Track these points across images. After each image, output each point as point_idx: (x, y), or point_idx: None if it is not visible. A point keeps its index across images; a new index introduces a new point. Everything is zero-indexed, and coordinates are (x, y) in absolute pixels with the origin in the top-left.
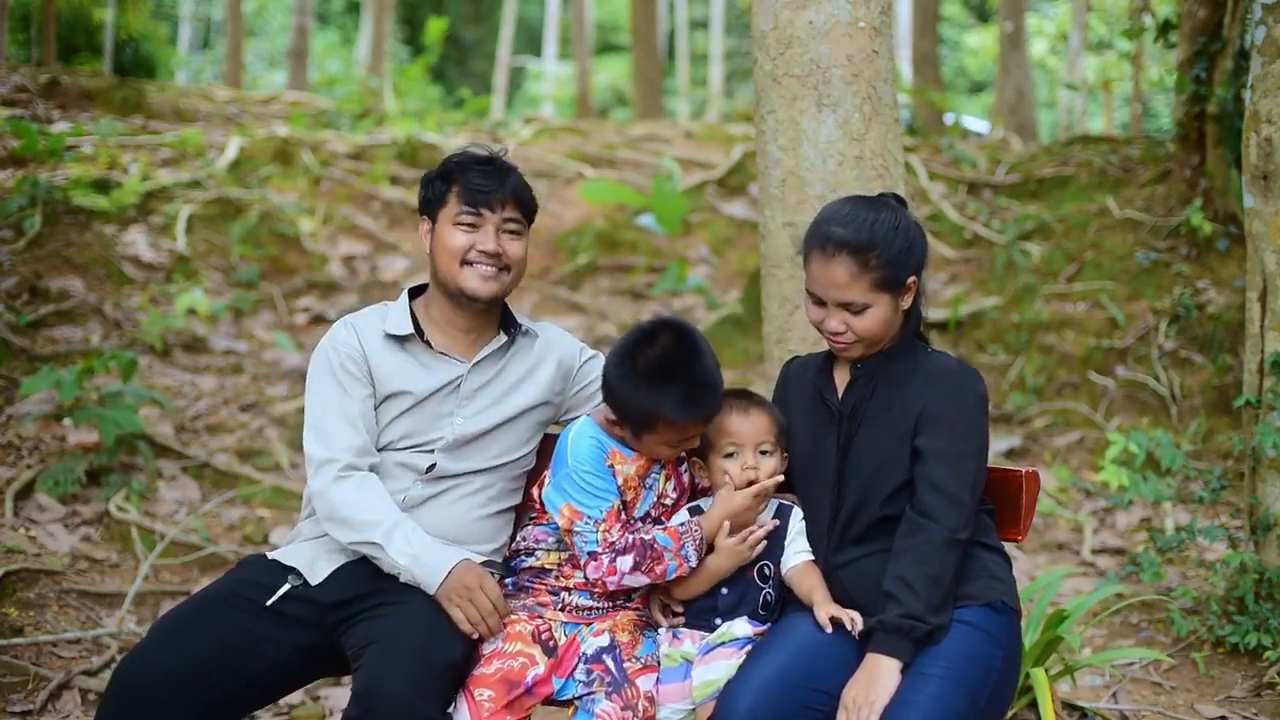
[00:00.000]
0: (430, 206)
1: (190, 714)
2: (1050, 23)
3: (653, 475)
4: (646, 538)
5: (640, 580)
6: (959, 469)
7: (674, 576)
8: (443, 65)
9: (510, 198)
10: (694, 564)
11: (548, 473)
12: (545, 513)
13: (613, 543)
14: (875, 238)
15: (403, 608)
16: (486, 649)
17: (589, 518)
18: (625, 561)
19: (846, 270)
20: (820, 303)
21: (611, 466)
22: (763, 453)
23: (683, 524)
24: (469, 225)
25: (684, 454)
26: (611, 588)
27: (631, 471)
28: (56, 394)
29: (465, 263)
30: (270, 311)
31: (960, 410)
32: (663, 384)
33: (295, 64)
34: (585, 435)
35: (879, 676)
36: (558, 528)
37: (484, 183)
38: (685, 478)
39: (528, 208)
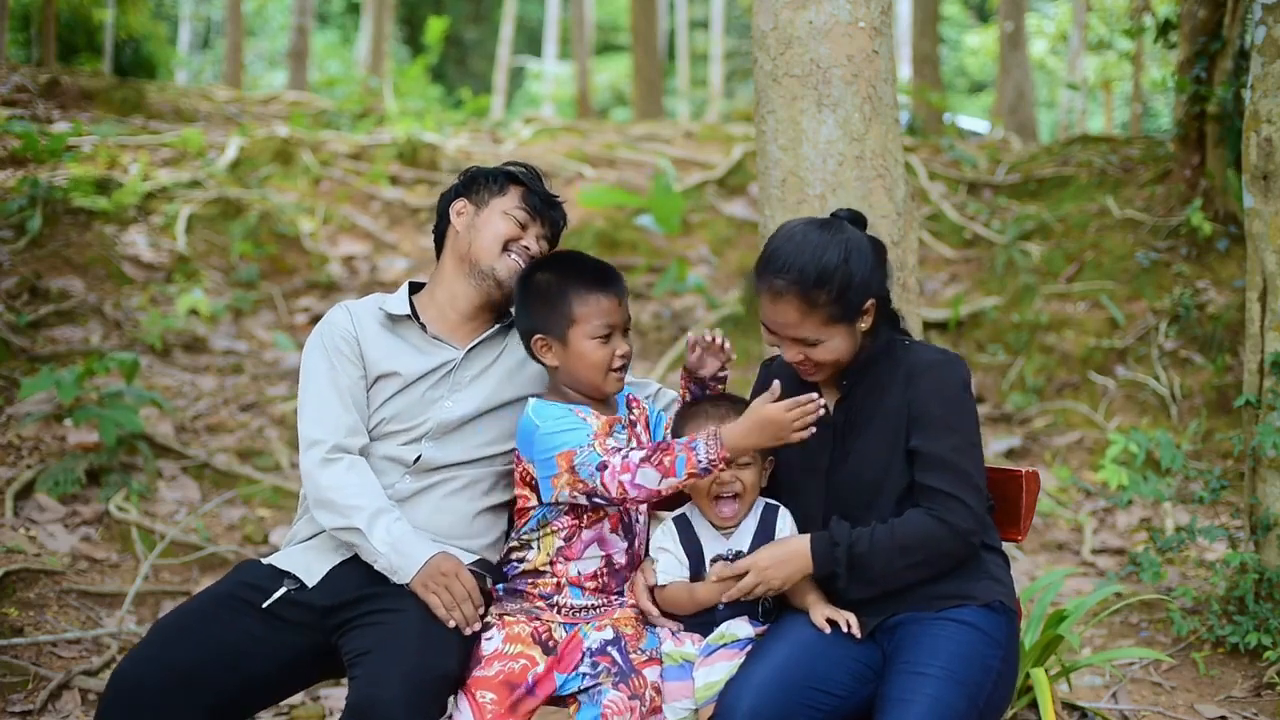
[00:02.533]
0: (480, 193)
1: (190, 717)
2: (1050, 23)
3: (615, 436)
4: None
5: (652, 478)
6: (961, 466)
7: (684, 475)
8: (443, 65)
9: (557, 220)
10: (703, 461)
11: (529, 467)
12: (521, 513)
13: (616, 447)
14: (824, 274)
15: (397, 616)
16: (487, 649)
17: (580, 445)
18: (637, 454)
19: (795, 310)
20: (774, 333)
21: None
22: (742, 465)
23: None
24: (520, 222)
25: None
26: (631, 493)
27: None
28: (56, 394)
29: (505, 250)
30: (270, 311)
31: (948, 404)
32: (568, 276)
33: (295, 64)
34: (543, 405)
35: (792, 559)
36: (539, 520)
37: (545, 197)
38: (645, 440)
39: (558, 235)
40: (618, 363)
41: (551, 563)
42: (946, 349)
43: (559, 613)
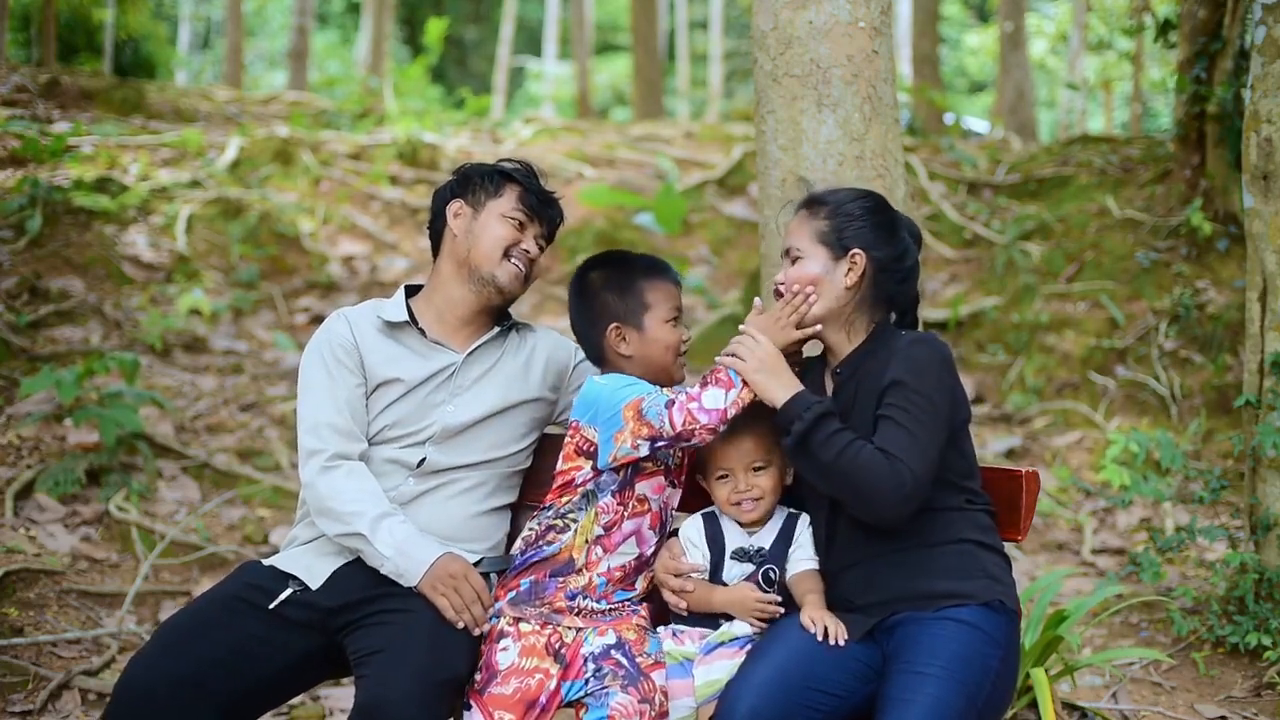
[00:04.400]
0: (476, 194)
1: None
2: (1050, 23)
3: None
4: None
5: (717, 396)
6: (915, 432)
7: (740, 382)
8: (443, 65)
9: (554, 218)
10: (735, 378)
11: (589, 433)
12: (562, 490)
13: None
14: (832, 197)
15: (406, 615)
16: (502, 661)
17: (648, 392)
18: (693, 387)
19: (799, 218)
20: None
21: None
22: (756, 469)
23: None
24: (518, 224)
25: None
26: (701, 419)
27: None
28: (56, 394)
29: (505, 255)
30: (270, 311)
31: (916, 375)
32: (632, 267)
33: (295, 64)
34: (607, 376)
35: (776, 377)
36: (585, 496)
37: (542, 195)
38: None
39: (554, 232)
40: (684, 347)
41: (587, 550)
42: (934, 333)
43: (579, 616)
